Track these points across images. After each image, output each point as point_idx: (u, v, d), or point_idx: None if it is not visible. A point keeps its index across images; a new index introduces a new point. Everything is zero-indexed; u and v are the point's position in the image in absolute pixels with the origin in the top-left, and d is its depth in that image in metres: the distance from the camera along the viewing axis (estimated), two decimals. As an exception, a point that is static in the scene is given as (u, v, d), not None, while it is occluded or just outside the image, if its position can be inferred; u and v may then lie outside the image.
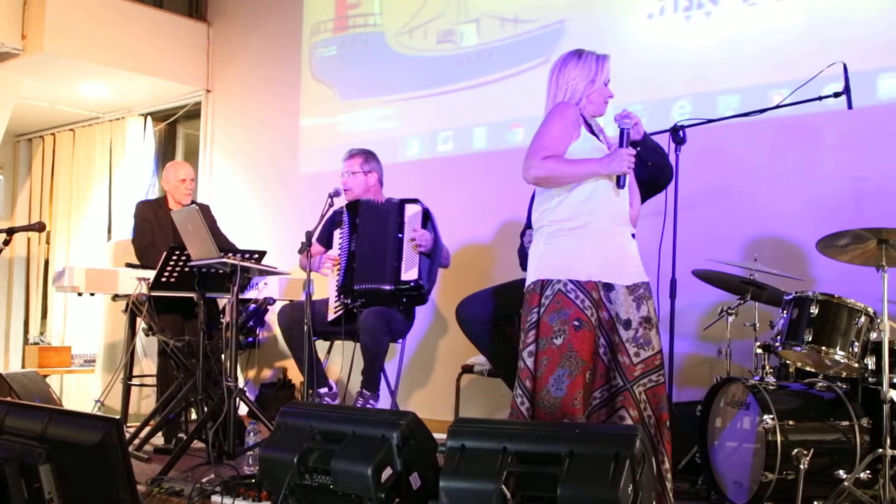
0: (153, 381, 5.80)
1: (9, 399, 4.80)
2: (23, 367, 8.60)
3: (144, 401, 6.52)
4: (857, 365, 3.75)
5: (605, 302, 3.33)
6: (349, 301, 5.02)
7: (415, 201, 5.10)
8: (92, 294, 5.36)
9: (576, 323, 3.26)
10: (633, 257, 3.42)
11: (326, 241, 5.29)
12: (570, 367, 3.22)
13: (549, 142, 3.39)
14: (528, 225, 4.83)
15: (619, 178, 3.34)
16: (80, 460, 2.63)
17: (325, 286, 5.21)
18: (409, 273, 4.95)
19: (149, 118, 8.89)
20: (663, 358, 3.39)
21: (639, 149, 3.48)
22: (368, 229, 5.10)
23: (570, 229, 3.36)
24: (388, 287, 4.97)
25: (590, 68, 3.48)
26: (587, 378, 3.24)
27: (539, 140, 3.40)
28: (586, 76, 3.47)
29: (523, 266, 4.71)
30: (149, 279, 4.97)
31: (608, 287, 3.34)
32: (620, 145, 3.38)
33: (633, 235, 3.49)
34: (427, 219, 5.06)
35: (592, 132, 3.48)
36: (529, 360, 3.30)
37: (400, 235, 5.00)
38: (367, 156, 5.32)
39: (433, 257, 5.04)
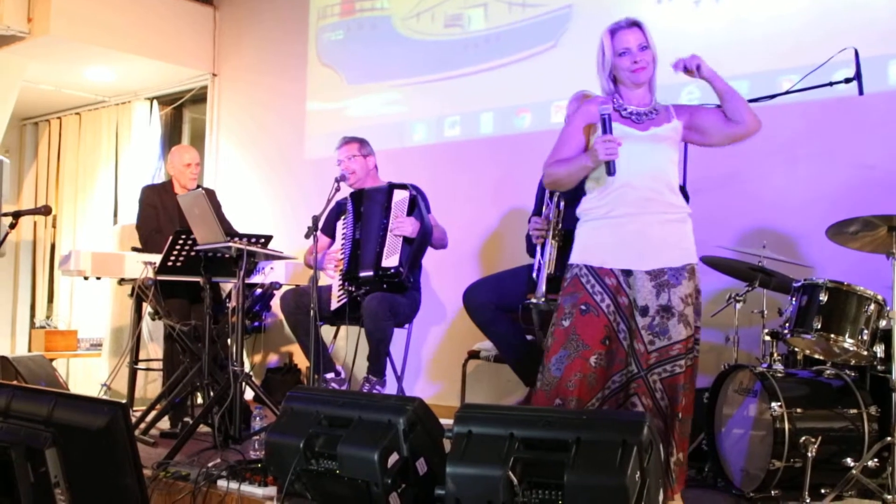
0: (159, 365, 5.80)
1: (15, 383, 4.81)
2: (29, 350, 8.64)
3: (150, 385, 6.53)
4: (865, 353, 3.73)
5: (623, 287, 3.36)
6: (353, 289, 5.03)
7: (403, 186, 5.09)
8: (98, 278, 5.36)
9: (583, 307, 3.32)
10: (658, 242, 3.34)
11: (331, 233, 5.30)
12: (570, 350, 3.29)
13: (554, 148, 3.51)
14: (536, 212, 4.83)
15: (607, 165, 3.32)
16: (86, 444, 2.62)
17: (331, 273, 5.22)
18: (390, 259, 4.96)
19: (155, 102, 8.89)
20: (689, 348, 3.33)
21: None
22: (370, 215, 5.11)
23: (593, 218, 3.44)
24: (368, 273, 4.99)
25: (600, 51, 3.48)
26: (592, 362, 3.28)
27: (553, 147, 3.52)
28: (600, 61, 3.48)
29: (530, 252, 4.72)
30: (155, 263, 4.96)
31: (627, 273, 3.36)
32: (603, 132, 3.35)
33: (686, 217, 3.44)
34: (414, 205, 5.04)
35: (623, 116, 3.43)
36: (548, 339, 3.41)
37: (385, 221, 5.01)
38: (362, 142, 5.39)
39: (415, 244, 5.02)
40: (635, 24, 3.42)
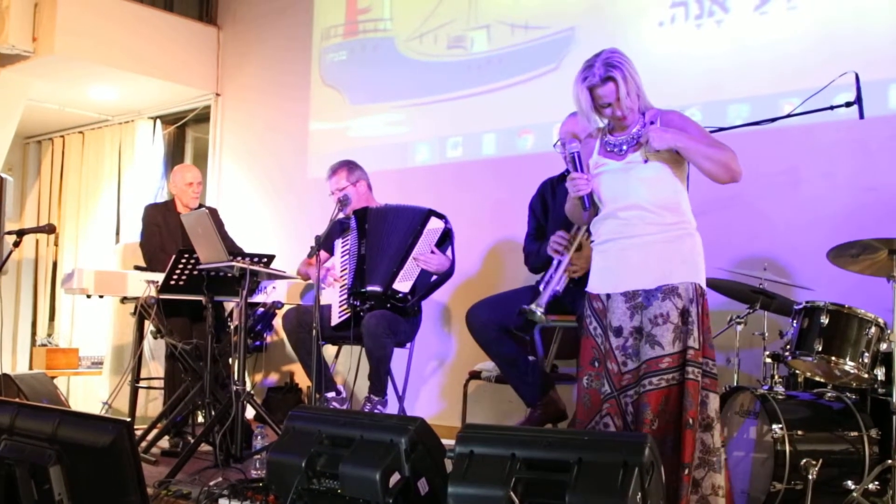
0: (161, 383, 5.80)
1: (17, 400, 4.81)
2: (30, 368, 8.64)
3: (152, 403, 6.52)
4: (866, 375, 3.74)
5: (606, 310, 3.45)
6: (358, 303, 5.04)
7: (441, 217, 5.12)
8: (101, 296, 5.37)
9: (583, 331, 3.51)
10: (635, 265, 3.38)
11: (329, 249, 5.32)
12: (580, 371, 3.47)
13: None
14: (530, 231, 4.86)
15: (580, 201, 3.51)
16: (90, 462, 2.63)
17: (329, 292, 5.21)
18: (403, 284, 4.98)
19: (158, 121, 8.91)
20: (680, 363, 3.27)
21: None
22: (380, 232, 5.12)
23: (594, 248, 3.58)
24: (377, 288, 5.00)
25: (577, 101, 3.48)
26: (584, 383, 3.47)
27: None
28: (579, 108, 3.50)
29: (528, 265, 4.75)
30: (157, 282, 4.97)
31: (608, 296, 3.45)
32: (574, 170, 3.52)
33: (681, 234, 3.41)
34: (446, 237, 5.07)
35: (607, 150, 3.50)
36: None
37: (412, 244, 5.03)
38: (350, 167, 5.38)
39: (434, 281, 5.05)
40: (610, 80, 3.35)
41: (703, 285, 3.39)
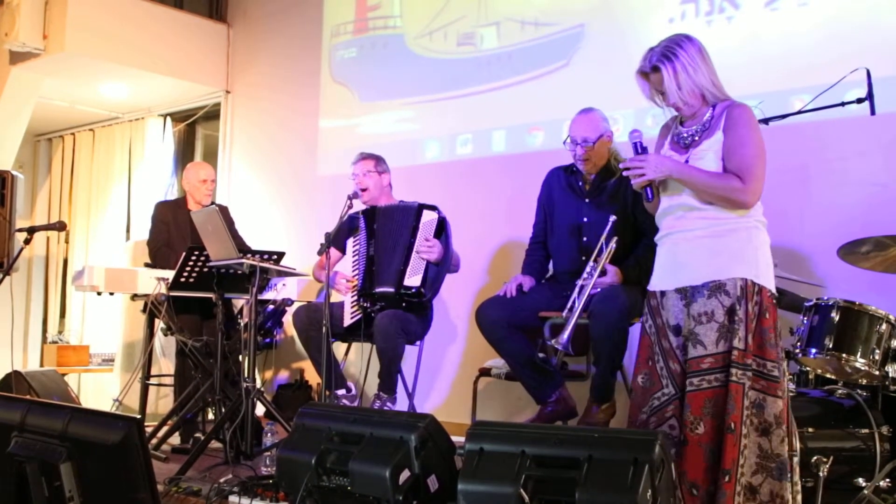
0: (171, 380, 5.81)
1: (28, 397, 4.83)
2: (41, 365, 8.67)
3: (162, 400, 6.54)
4: (877, 372, 3.72)
5: (661, 308, 3.42)
6: (368, 304, 5.05)
7: (433, 208, 5.12)
8: (111, 293, 5.38)
9: (641, 329, 3.50)
10: (685, 260, 3.34)
11: (341, 247, 5.32)
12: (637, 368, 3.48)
13: None
14: (535, 231, 4.86)
15: (643, 193, 3.44)
16: (100, 459, 2.64)
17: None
18: (413, 279, 4.98)
19: (168, 119, 8.93)
20: (726, 364, 3.20)
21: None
22: (386, 231, 5.13)
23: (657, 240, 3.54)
24: (389, 289, 5.01)
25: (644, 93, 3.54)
26: (640, 381, 3.43)
27: None
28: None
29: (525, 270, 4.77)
30: (168, 279, 4.99)
31: (662, 293, 3.42)
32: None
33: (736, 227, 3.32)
34: (442, 228, 5.08)
35: (674, 142, 3.50)
36: None
37: (412, 240, 5.03)
38: (379, 159, 5.40)
39: (441, 266, 5.05)
40: (657, 70, 3.36)
41: (761, 281, 3.28)
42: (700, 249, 3.31)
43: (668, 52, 3.34)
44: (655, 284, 3.47)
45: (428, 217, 5.08)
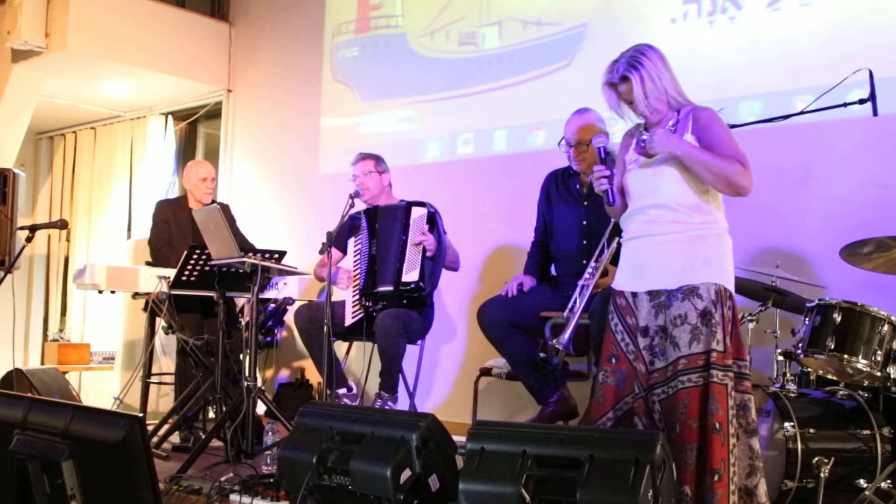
0: (172, 379, 5.81)
1: (29, 395, 4.83)
2: (42, 363, 8.67)
3: (163, 399, 6.54)
4: (879, 374, 3.73)
5: (632, 308, 3.42)
6: (370, 304, 5.06)
7: (422, 204, 5.14)
8: (113, 292, 5.38)
9: (606, 326, 3.50)
10: (656, 263, 3.35)
11: (342, 247, 5.33)
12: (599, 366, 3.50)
13: None
14: (537, 230, 4.87)
15: (604, 196, 3.56)
16: (102, 457, 2.64)
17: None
18: (410, 275, 5.00)
19: (170, 117, 8.93)
20: (702, 365, 3.20)
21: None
22: (385, 231, 5.14)
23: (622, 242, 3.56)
24: (388, 288, 5.02)
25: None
26: (600, 378, 3.44)
27: None
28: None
29: (528, 271, 4.76)
30: (169, 278, 4.99)
31: (633, 294, 3.42)
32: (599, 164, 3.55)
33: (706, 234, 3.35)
34: (432, 222, 5.08)
35: (639, 145, 3.50)
36: None
37: (404, 237, 5.06)
38: (378, 159, 5.41)
39: (436, 260, 5.06)
40: (626, 80, 3.39)
41: (730, 287, 3.33)
42: (672, 254, 3.34)
43: (633, 62, 3.38)
44: (624, 285, 3.46)
45: (417, 213, 5.11)
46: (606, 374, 3.41)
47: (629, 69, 3.37)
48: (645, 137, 3.41)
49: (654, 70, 3.37)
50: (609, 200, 3.51)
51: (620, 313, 3.44)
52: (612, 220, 4.15)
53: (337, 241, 5.20)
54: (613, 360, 3.41)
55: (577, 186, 4.71)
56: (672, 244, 3.34)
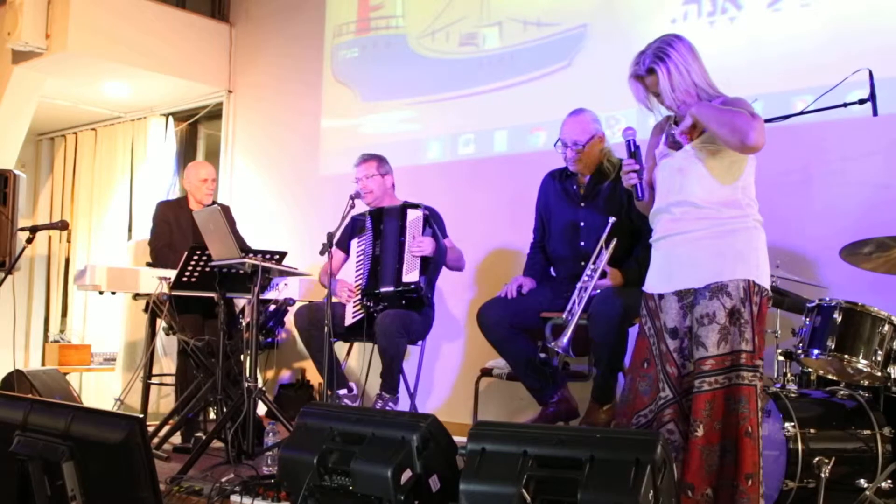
0: (172, 380, 5.81)
1: (30, 396, 4.83)
2: (43, 364, 8.66)
3: (164, 399, 6.54)
4: (879, 374, 3.73)
5: (659, 311, 3.37)
6: (371, 304, 5.06)
7: (416, 206, 5.16)
8: (113, 293, 5.38)
9: (639, 331, 3.47)
10: (684, 262, 3.29)
11: (345, 248, 5.35)
12: (629, 370, 3.50)
13: None
14: (536, 231, 4.86)
15: (633, 192, 3.45)
16: (102, 458, 2.64)
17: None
18: (410, 276, 5.01)
19: (170, 118, 8.93)
20: (729, 366, 3.17)
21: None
22: (389, 233, 5.15)
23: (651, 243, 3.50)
24: (390, 288, 5.03)
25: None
26: (636, 384, 3.39)
27: None
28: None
29: (527, 272, 4.77)
30: (170, 279, 4.99)
31: (661, 296, 3.38)
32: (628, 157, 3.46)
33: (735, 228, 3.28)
34: (427, 223, 5.09)
35: (670, 141, 3.44)
36: None
37: (402, 239, 5.08)
38: (381, 160, 5.39)
39: (432, 261, 5.06)
40: (652, 72, 3.32)
41: (760, 282, 3.25)
42: (701, 251, 3.27)
43: (660, 53, 3.30)
44: (652, 287, 3.42)
45: (413, 216, 5.12)
46: (638, 379, 3.38)
47: (655, 61, 3.29)
48: (674, 131, 3.35)
49: (681, 62, 3.29)
50: (638, 195, 3.41)
51: (651, 316, 3.41)
52: (611, 221, 4.16)
53: (339, 241, 5.22)
54: (645, 365, 3.39)
55: (574, 187, 4.70)
56: (699, 241, 3.28)
